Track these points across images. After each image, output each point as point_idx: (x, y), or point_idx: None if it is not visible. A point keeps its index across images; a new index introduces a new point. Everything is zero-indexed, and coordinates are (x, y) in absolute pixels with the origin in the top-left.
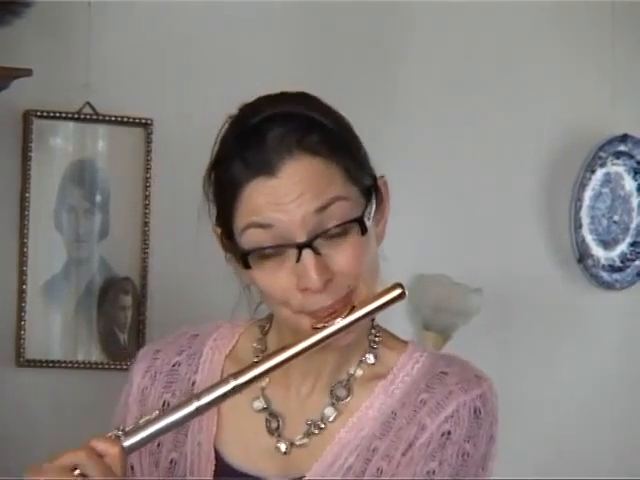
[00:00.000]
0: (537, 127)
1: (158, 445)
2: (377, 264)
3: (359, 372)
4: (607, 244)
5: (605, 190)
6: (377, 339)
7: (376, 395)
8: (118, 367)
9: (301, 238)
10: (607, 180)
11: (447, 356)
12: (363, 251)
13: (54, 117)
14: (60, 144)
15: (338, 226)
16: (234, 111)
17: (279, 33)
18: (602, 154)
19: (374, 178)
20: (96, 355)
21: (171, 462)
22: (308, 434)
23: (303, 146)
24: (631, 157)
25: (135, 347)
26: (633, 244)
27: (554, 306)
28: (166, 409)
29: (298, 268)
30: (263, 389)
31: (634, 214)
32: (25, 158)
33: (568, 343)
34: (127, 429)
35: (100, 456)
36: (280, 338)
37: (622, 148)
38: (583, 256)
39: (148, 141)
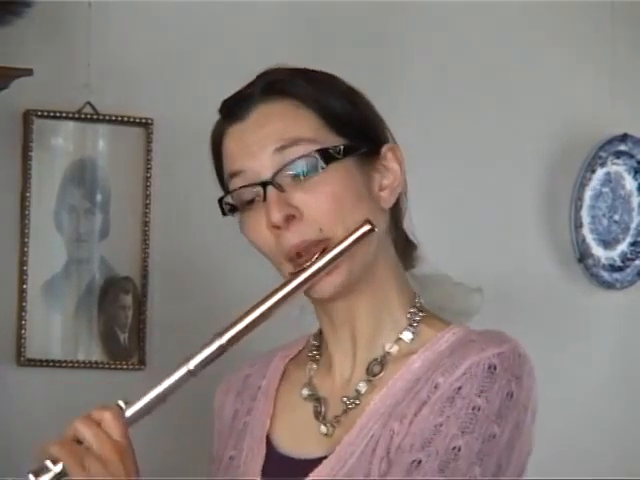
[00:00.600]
0: (537, 127)
1: (224, 448)
2: (365, 215)
3: (395, 348)
4: (607, 244)
5: (605, 190)
6: (418, 317)
7: (407, 367)
8: (119, 367)
9: (266, 176)
10: (607, 180)
11: (486, 329)
12: (333, 196)
13: (54, 117)
14: (60, 144)
15: (297, 159)
16: None
17: (279, 33)
18: (602, 154)
19: (375, 140)
20: (96, 355)
21: (230, 458)
22: (344, 411)
23: (280, 89)
24: (631, 157)
25: (135, 346)
26: (633, 244)
27: (554, 305)
28: (162, 378)
29: (266, 207)
30: (311, 378)
31: (634, 214)
32: (25, 158)
33: (568, 343)
34: (129, 400)
35: (97, 423)
36: (323, 325)
37: (622, 148)
38: (583, 256)
39: (148, 141)
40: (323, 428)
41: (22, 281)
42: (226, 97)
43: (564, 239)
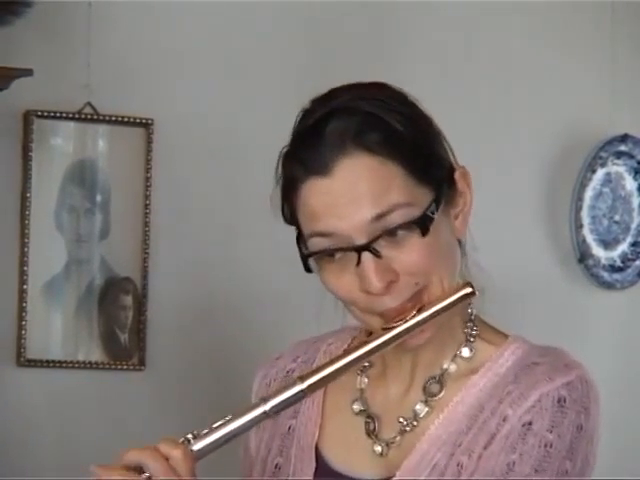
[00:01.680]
0: (537, 127)
1: (268, 451)
2: (453, 258)
3: (453, 367)
4: (608, 244)
5: (606, 190)
6: (474, 332)
7: (467, 389)
8: (119, 367)
9: (360, 241)
10: (608, 180)
11: (545, 347)
12: (429, 249)
13: (54, 117)
14: (60, 144)
15: (397, 228)
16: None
17: (279, 33)
18: (602, 154)
19: (449, 170)
20: (97, 355)
21: (276, 466)
22: (401, 432)
23: (358, 143)
24: (631, 157)
25: (135, 347)
26: (634, 244)
27: (554, 306)
28: (236, 413)
29: (359, 271)
30: (362, 391)
31: (635, 214)
32: (25, 158)
33: (568, 343)
34: (198, 433)
35: (165, 458)
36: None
37: (622, 148)
38: (584, 256)
39: (149, 141)
40: (378, 448)
41: (22, 281)
42: (293, 137)
43: (564, 239)
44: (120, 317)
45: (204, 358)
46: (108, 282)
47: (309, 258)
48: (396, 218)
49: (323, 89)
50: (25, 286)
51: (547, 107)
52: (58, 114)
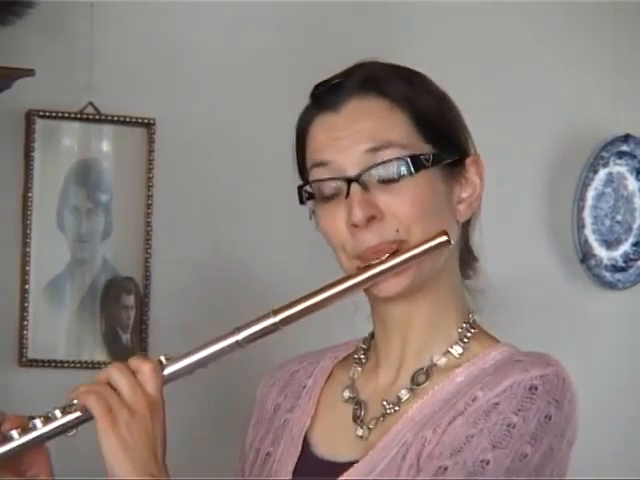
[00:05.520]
0: (539, 127)
1: (262, 442)
2: (442, 226)
3: (442, 361)
4: (610, 244)
5: (608, 190)
6: (469, 334)
7: (450, 380)
8: None
9: (353, 172)
10: (610, 180)
11: (533, 351)
12: (415, 198)
13: (57, 117)
14: (63, 144)
15: (387, 161)
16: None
17: (279, 33)
18: (604, 154)
19: (461, 149)
20: (99, 355)
21: (267, 454)
22: (383, 415)
23: (374, 87)
24: (634, 157)
25: (138, 347)
26: (636, 244)
27: (556, 306)
28: (208, 341)
29: (347, 203)
30: (354, 380)
31: (637, 214)
32: (28, 158)
33: (570, 343)
34: (171, 356)
35: (133, 372)
36: (376, 328)
37: (624, 148)
38: (586, 256)
39: (151, 141)
40: (359, 431)
41: (24, 281)
42: (319, 81)
43: (566, 239)
44: (122, 317)
45: None
46: (110, 282)
47: (303, 188)
48: (389, 154)
49: None
50: (27, 286)
51: (549, 107)
52: (60, 114)
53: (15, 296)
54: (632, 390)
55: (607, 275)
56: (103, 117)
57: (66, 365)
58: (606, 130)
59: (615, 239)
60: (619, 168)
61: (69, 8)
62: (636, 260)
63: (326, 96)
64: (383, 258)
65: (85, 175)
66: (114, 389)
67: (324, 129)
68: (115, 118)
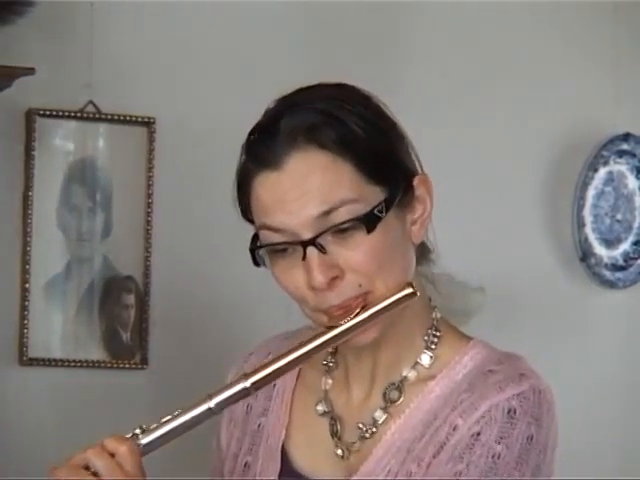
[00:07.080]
0: (539, 126)
1: (239, 448)
2: (403, 264)
3: (412, 374)
4: (610, 243)
5: (608, 189)
6: (435, 339)
7: (424, 396)
8: (121, 366)
9: (307, 236)
10: (610, 179)
11: (505, 354)
12: (375, 249)
13: (57, 116)
14: (63, 143)
15: (342, 223)
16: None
17: (279, 33)
18: (605, 153)
19: (408, 174)
20: (98, 354)
21: (245, 465)
22: (360, 438)
23: (310, 139)
24: (634, 156)
25: (138, 346)
26: (636, 243)
27: (556, 305)
28: (184, 408)
29: (305, 265)
30: (327, 392)
31: (637, 213)
32: (28, 157)
33: (570, 342)
34: (146, 427)
35: (111, 454)
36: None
37: (625, 147)
38: (586, 255)
39: (151, 140)
40: (339, 451)
41: (24, 280)
42: (250, 132)
43: (566, 238)
44: (122, 316)
45: (206, 357)
46: (110, 281)
47: (256, 251)
48: (343, 214)
49: None
50: (27, 285)
51: (549, 106)
52: (60, 113)
53: (15, 295)
54: (632, 389)
55: (607, 274)
56: (103, 116)
57: (66, 364)
58: (606, 129)
59: (615, 238)
60: (619, 167)
61: (69, 8)
62: (636, 259)
63: (263, 152)
64: (352, 316)
65: (85, 174)
66: (94, 474)
67: (268, 190)
68: (115, 117)
